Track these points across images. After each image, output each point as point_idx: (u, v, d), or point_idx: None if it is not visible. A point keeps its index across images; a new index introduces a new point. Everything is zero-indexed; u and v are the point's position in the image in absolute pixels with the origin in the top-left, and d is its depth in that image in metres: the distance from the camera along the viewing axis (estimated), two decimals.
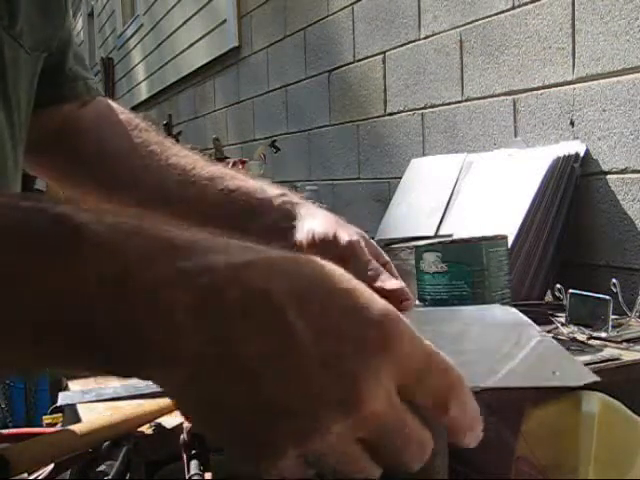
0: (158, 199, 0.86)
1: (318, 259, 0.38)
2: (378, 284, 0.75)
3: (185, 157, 0.88)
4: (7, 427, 2.51)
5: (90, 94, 0.90)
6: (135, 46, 6.62)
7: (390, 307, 0.38)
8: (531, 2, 1.61)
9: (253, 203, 0.83)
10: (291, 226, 0.81)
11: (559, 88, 1.54)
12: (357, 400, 0.35)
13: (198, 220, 0.85)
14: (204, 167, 0.87)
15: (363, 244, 0.78)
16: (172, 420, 0.78)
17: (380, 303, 0.37)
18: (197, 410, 0.37)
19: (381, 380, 0.36)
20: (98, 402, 0.87)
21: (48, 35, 0.78)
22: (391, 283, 0.76)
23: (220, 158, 2.81)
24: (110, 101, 0.93)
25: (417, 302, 1.16)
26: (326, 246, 0.77)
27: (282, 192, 0.84)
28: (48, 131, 0.86)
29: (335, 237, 0.78)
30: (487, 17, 1.76)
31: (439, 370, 0.40)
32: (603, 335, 1.10)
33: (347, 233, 0.78)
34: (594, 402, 0.93)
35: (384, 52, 2.23)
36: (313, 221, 0.81)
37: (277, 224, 0.82)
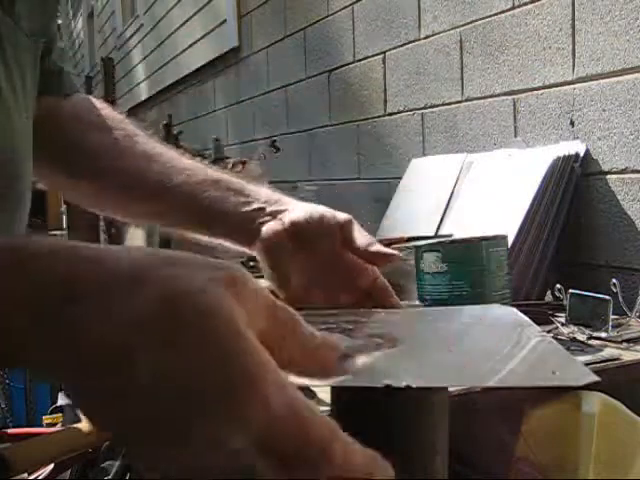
0: (140, 184, 0.86)
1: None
2: (372, 249, 0.76)
3: (167, 149, 0.90)
4: (7, 427, 2.51)
5: (71, 89, 0.91)
6: (135, 46, 6.63)
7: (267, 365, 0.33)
8: (531, 2, 1.61)
9: (236, 190, 0.83)
10: (279, 210, 0.81)
11: (559, 88, 1.54)
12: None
13: (179, 202, 0.85)
14: (187, 159, 0.87)
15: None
16: None
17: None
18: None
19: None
20: None
21: (45, 21, 0.78)
22: (383, 248, 0.77)
23: (220, 158, 2.81)
24: (91, 98, 0.94)
25: (417, 302, 1.16)
26: (324, 221, 0.78)
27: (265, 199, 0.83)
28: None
29: (333, 214, 0.79)
30: (487, 17, 1.76)
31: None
32: (603, 335, 1.10)
33: (341, 214, 0.80)
34: (594, 402, 0.94)
35: (384, 52, 2.23)
36: (304, 204, 0.82)
37: (262, 207, 0.81)
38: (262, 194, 0.83)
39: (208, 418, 0.31)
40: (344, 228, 0.77)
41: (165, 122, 3.51)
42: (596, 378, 0.60)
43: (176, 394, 0.31)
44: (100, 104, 0.93)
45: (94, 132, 0.90)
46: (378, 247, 0.77)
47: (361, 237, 0.78)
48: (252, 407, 0.32)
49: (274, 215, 0.81)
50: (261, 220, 0.80)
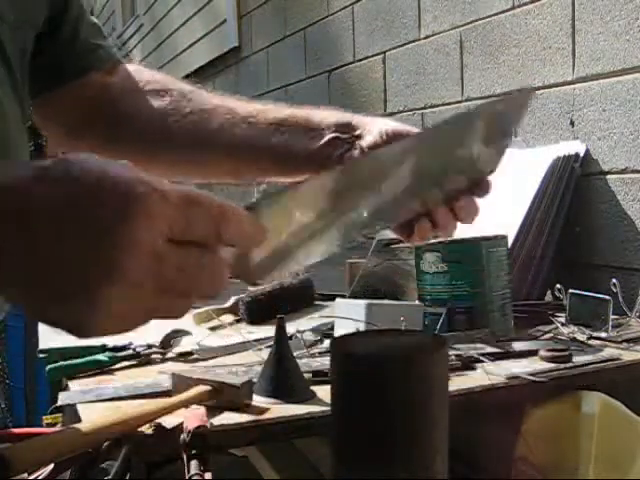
0: (207, 143, 0.86)
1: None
2: None
3: (226, 99, 0.88)
4: (7, 427, 2.51)
5: (112, 60, 0.92)
6: (135, 46, 6.62)
7: (135, 177, 0.42)
8: (531, 2, 1.61)
9: (302, 124, 0.82)
10: (355, 135, 0.80)
11: (559, 88, 1.54)
12: (119, 268, 0.40)
13: (249, 155, 0.84)
14: (249, 104, 0.87)
15: None
16: (172, 420, 0.78)
17: (126, 177, 0.42)
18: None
19: (138, 241, 0.40)
20: (98, 402, 0.87)
21: (32, 12, 0.78)
22: None
23: None
24: (135, 64, 0.94)
25: (417, 302, 1.16)
26: (399, 139, 0.77)
27: (332, 113, 0.83)
28: (83, 104, 0.88)
29: (406, 129, 0.79)
30: (487, 17, 1.76)
31: (201, 206, 0.44)
32: (603, 335, 1.10)
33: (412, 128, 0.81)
34: (594, 402, 0.94)
35: (384, 52, 2.23)
36: (377, 120, 0.81)
37: (336, 136, 0.80)
38: (331, 120, 0.81)
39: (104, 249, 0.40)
40: None
41: None
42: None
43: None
44: (145, 70, 0.94)
45: (151, 100, 0.89)
46: None
47: None
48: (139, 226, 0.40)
49: (351, 142, 0.79)
50: (339, 152, 0.79)
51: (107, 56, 0.92)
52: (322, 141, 0.80)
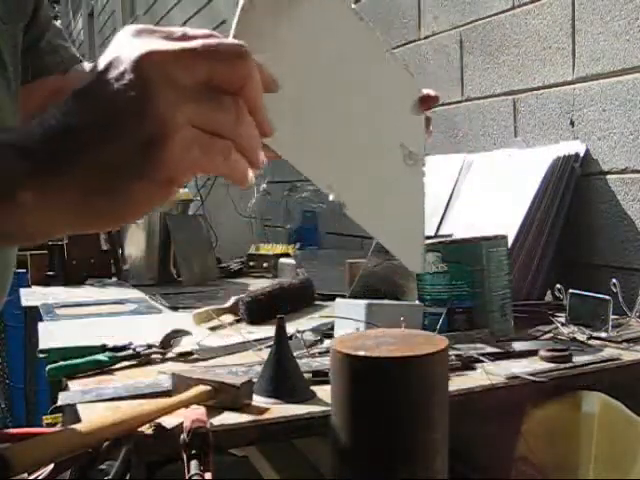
0: None
1: None
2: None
3: None
4: (7, 427, 2.51)
5: (71, 61, 0.92)
6: None
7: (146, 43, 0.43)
8: (531, 2, 1.61)
9: None
10: None
11: (559, 88, 1.54)
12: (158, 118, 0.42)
13: None
14: None
15: None
16: (172, 420, 0.78)
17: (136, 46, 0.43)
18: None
19: (168, 96, 0.42)
20: (98, 402, 0.87)
21: (22, 5, 0.79)
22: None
23: None
24: (86, 64, 0.95)
25: (417, 302, 1.16)
26: None
27: None
28: (37, 104, 0.87)
29: None
30: (487, 17, 1.76)
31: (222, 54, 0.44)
32: (603, 335, 1.10)
33: None
34: (594, 402, 0.94)
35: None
36: None
37: None
38: None
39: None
40: None
41: None
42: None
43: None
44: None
45: None
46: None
47: None
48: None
49: None
50: None
51: (66, 56, 0.92)
52: None
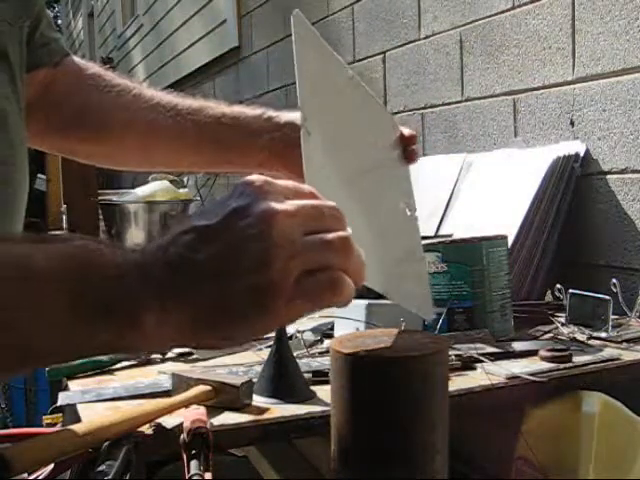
0: (154, 137, 0.92)
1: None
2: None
3: (165, 96, 0.95)
4: (7, 427, 2.51)
5: (60, 53, 0.92)
6: (135, 46, 6.62)
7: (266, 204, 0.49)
8: (531, 2, 1.61)
9: (247, 122, 0.91)
10: (284, 131, 0.90)
11: (559, 88, 1.54)
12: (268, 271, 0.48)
13: (191, 145, 0.92)
14: (186, 101, 0.94)
15: None
16: (172, 420, 0.78)
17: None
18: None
19: (277, 244, 0.48)
20: (98, 402, 0.87)
21: (27, 5, 0.79)
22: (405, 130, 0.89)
23: None
24: (74, 57, 0.96)
25: None
26: None
27: (262, 111, 0.93)
28: (30, 96, 0.88)
29: None
30: (487, 17, 1.76)
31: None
32: (603, 335, 1.10)
33: None
34: (594, 402, 0.94)
35: (384, 52, 2.23)
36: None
37: (286, 134, 0.89)
38: (258, 112, 0.92)
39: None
40: None
41: None
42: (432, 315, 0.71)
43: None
44: (85, 63, 0.96)
45: (97, 92, 0.93)
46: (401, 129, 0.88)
47: None
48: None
49: (279, 128, 0.90)
50: (269, 136, 0.89)
51: (56, 49, 0.92)
52: (257, 129, 0.90)
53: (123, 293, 0.48)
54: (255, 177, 0.52)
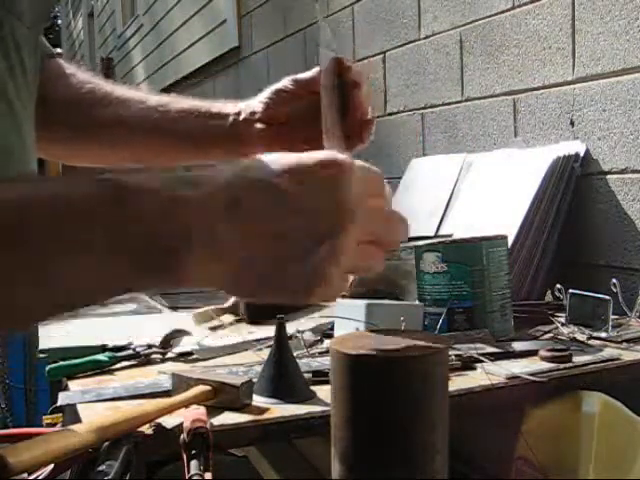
0: (139, 131, 0.92)
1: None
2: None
3: (135, 92, 0.95)
4: (7, 427, 2.51)
5: (46, 52, 0.93)
6: (135, 46, 6.62)
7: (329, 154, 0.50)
8: (531, 2, 1.61)
9: (207, 111, 0.92)
10: (249, 113, 0.91)
11: (559, 88, 1.54)
12: (342, 227, 0.49)
13: (168, 138, 0.92)
14: (155, 97, 0.95)
15: None
16: (172, 420, 0.78)
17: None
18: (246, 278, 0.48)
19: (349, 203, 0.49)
20: (98, 402, 0.87)
21: (46, 7, 0.79)
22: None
23: None
24: (61, 60, 0.96)
25: (417, 302, 1.16)
26: (280, 89, 0.93)
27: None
28: None
29: (282, 83, 0.93)
30: (487, 17, 1.76)
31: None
32: (603, 335, 1.10)
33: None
34: (594, 402, 0.94)
35: (384, 52, 2.23)
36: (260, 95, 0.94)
37: (235, 119, 0.91)
38: (228, 107, 0.93)
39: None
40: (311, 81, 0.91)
41: None
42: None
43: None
44: (67, 63, 0.97)
45: (82, 88, 0.94)
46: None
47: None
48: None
49: (248, 122, 0.91)
50: (243, 131, 0.90)
51: (45, 50, 0.93)
52: (228, 123, 0.90)
53: (173, 229, 0.45)
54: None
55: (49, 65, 0.93)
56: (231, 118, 0.91)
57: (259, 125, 0.90)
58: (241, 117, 0.90)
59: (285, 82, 0.92)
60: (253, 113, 0.91)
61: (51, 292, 0.45)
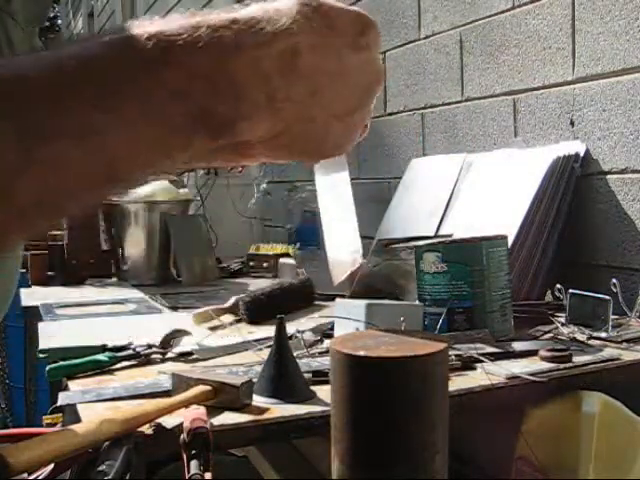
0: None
1: None
2: None
3: None
4: (7, 427, 2.51)
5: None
6: None
7: None
8: (531, 2, 1.61)
9: None
10: None
11: (559, 88, 1.54)
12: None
13: None
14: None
15: None
16: (172, 420, 0.78)
17: None
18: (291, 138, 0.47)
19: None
20: (98, 402, 0.87)
21: (41, 8, 0.79)
22: None
23: None
24: None
25: (417, 302, 1.16)
26: None
27: None
28: None
29: None
30: (487, 17, 1.76)
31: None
32: (603, 335, 1.10)
33: None
34: (594, 402, 0.94)
35: (384, 52, 2.23)
36: None
37: None
38: None
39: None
40: None
41: None
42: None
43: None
44: None
45: None
46: None
47: None
48: None
49: None
50: None
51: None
52: None
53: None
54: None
55: None
56: None
57: None
58: None
59: None
60: None
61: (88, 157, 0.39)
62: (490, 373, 0.94)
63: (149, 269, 2.05)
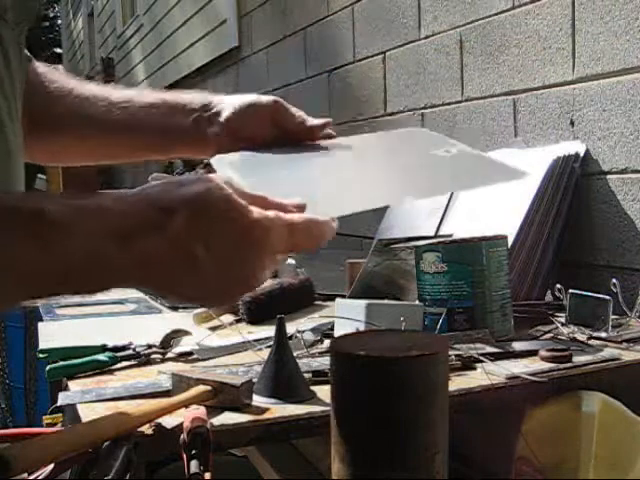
0: (102, 129, 0.91)
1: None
2: (308, 124, 0.88)
3: (100, 88, 0.94)
4: (7, 427, 2.51)
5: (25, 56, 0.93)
6: (135, 46, 6.62)
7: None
8: (531, 2, 1.61)
9: (172, 105, 0.91)
10: (213, 113, 0.89)
11: (559, 88, 1.54)
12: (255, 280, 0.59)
13: (124, 136, 0.92)
14: (119, 92, 0.93)
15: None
16: (172, 420, 0.78)
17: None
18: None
19: (256, 261, 0.58)
20: (98, 402, 0.87)
21: (31, 7, 0.79)
22: (317, 120, 0.89)
23: None
24: (37, 63, 0.96)
25: (417, 302, 1.16)
26: (253, 109, 0.89)
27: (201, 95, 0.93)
28: None
29: (259, 99, 0.90)
30: (487, 17, 1.76)
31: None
32: (603, 335, 1.10)
33: (267, 97, 0.90)
34: (594, 402, 0.94)
35: (384, 52, 2.23)
36: (233, 97, 0.91)
37: (199, 115, 0.89)
38: (196, 101, 0.91)
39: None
40: (275, 110, 0.89)
41: None
42: (527, 173, 0.74)
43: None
44: (44, 67, 0.96)
45: (48, 86, 0.94)
46: (312, 121, 0.88)
47: (293, 115, 0.88)
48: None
49: (212, 120, 0.89)
50: (203, 128, 0.88)
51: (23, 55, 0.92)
52: (190, 119, 0.89)
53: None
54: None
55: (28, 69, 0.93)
56: (196, 114, 0.89)
57: (215, 129, 0.88)
58: (206, 114, 0.89)
59: (270, 100, 0.90)
60: (218, 114, 0.89)
61: None
62: (490, 373, 0.94)
63: None
